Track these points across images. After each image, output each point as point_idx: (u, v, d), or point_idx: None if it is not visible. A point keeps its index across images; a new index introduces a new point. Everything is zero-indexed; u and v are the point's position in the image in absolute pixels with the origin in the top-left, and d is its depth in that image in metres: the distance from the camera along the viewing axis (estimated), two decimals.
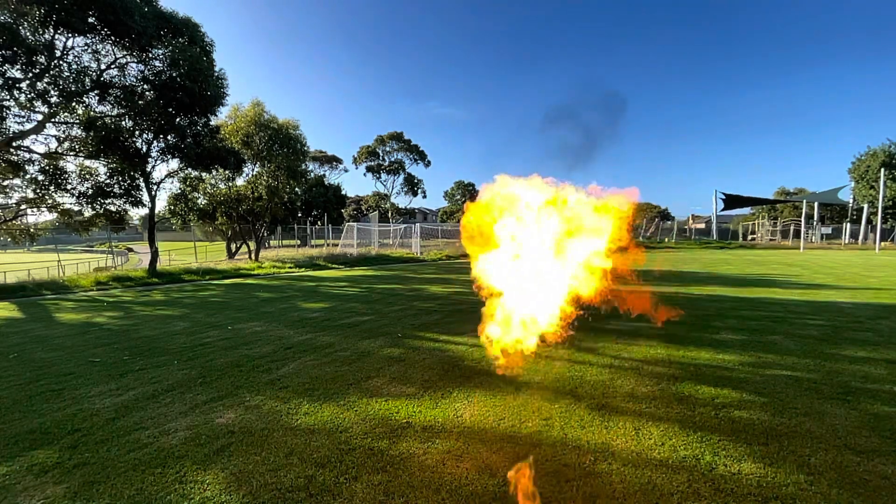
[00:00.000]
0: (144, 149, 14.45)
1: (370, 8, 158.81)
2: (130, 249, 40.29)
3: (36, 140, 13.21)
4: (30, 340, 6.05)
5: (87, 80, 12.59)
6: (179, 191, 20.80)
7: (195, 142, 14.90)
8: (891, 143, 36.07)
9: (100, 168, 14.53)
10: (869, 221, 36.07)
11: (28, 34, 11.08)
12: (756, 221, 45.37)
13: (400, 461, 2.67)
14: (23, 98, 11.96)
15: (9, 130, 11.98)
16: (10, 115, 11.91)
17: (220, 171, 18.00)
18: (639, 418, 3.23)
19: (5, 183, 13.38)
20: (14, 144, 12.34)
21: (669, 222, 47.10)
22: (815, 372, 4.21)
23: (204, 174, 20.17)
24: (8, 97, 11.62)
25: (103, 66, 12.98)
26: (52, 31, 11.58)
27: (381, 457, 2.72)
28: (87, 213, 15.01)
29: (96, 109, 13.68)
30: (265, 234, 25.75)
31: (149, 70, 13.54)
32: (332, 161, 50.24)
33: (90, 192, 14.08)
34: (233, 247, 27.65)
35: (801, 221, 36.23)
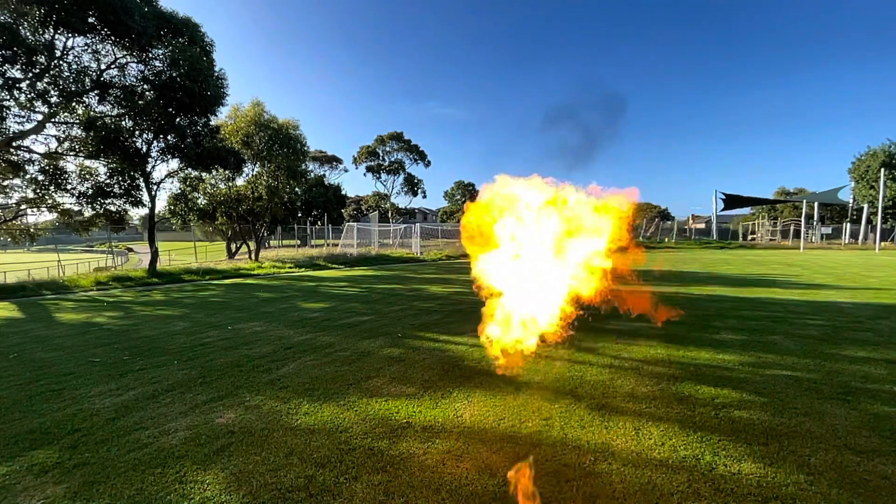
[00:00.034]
0: (144, 149, 14.45)
1: (370, 8, 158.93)
2: (130, 249, 40.30)
3: (36, 140, 13.24)
4: (30, 340, 6.05)
5: (87, 80, 12.59)
6: (179, 191, 20.81)
7: (195, 142, 14.91)
8: (891, 143, 36.09)
9: (100, 168, 14.54)
10: (869, 221, 36.07)
11: (28, 34, 11.08)
12: (756, 221, 45.38)
13: (400, 461, 2.67)
14: (23, 98, 11.97)
15: (9, 130, 11.98)
16: (10, 115, 11.92)
17: (220, 171, 18.01)
18: (639, 418, 3.23)
19: (5, 183, 13.38)
20: (14, 144, 12.35)
21: (669, 222, 47.11)
22: (815, 372, 4.21)
23: (204, 174, 20.18)
24: (8, 97, 11.63)
25: (103, 66, 12.99)
26: (52, 31, 11.59)
27: (381, 457, 2.72)
28: (87, 213, 15.01)
29: (96, 109, 13.68)
30: (265, 234, 25.75)
31: (149, 70, 13.54)
32: (332, 161, 50.24)
33: (90, 192, 14.08)
34: (233, 247, 27.65)
35: (801, 221, 36.23)
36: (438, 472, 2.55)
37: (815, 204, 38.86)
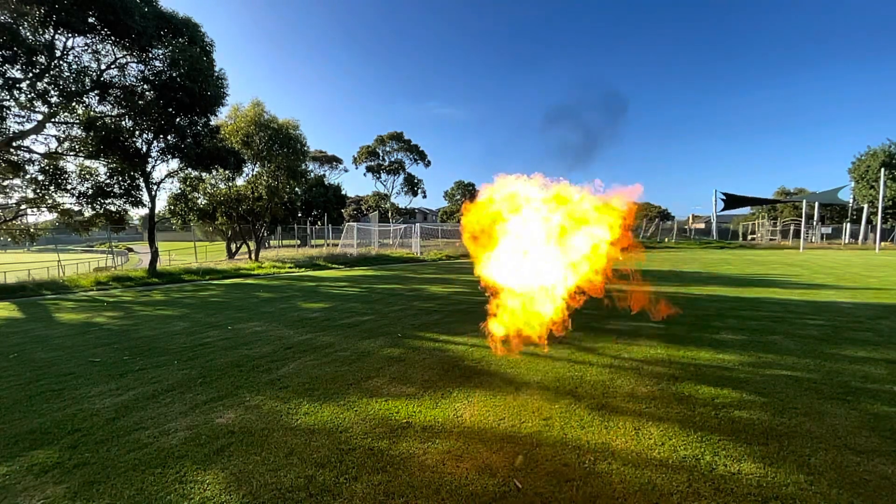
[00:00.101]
0: (144, 149, 14.44)
1: (370, 8, 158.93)
2: (130, 249, 40.29)
3: (36, 140, 13.23)
4: (30, 340, 6.05)
5: (87, 80, 12.59)
6: (179, 191, 20.79)
7: (195, 142, 14.90)
8: (891, 143, 36.08)
9: (100, 168, 14.53)
10: (869, 221, 36.06)
11: (28, 34, 11.07)
12: (756, 221, 45.35)
13: (400, 461, 2.67)
14: (23, 98, 11.96)
15: (9, 130, 11.98)
16: (10, 115, 11.91)
17: (220, 171, 17.99)
18: (639, 418, 3.23)
19: (5, 183, 13.37)
20: (14, 144, 12.34)
21: (669, 222, 47.10)
22: (815, 372, 4.21)
23: (204, 174, 20.16)
24: (8, 97, 11.62)
25: (103, 66, 12.98)
26: (52, 31, 11.58)
27: (381, 457, 2.72)
28: (87, 213, 15.00)
29: (96, 109, 13.68)
30: (265, 234, 25.74)
31: (149, 70, 13.53)
32: (332, 161, 50.24)
33: (90, 192, 14.07)
34: (233, 247, 27.65)
35: (801, 221, 36.22)
36: (438, 472, 2.55)
37: (815, 204, 38.85)
